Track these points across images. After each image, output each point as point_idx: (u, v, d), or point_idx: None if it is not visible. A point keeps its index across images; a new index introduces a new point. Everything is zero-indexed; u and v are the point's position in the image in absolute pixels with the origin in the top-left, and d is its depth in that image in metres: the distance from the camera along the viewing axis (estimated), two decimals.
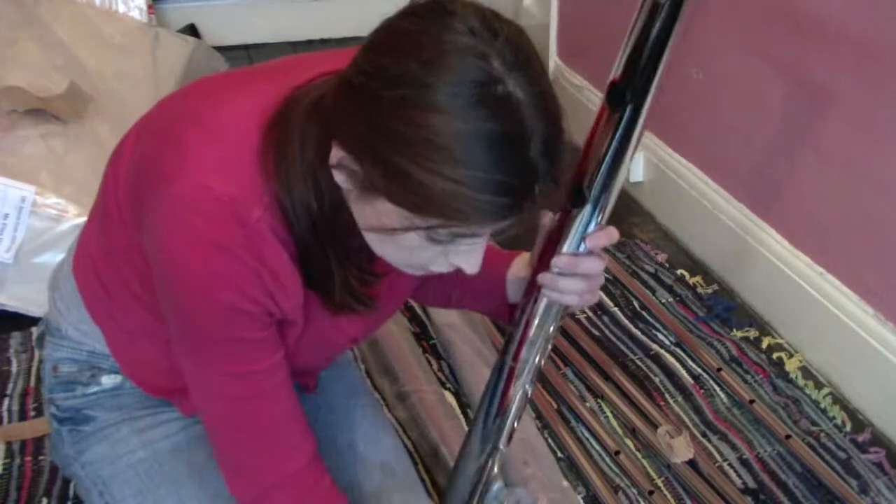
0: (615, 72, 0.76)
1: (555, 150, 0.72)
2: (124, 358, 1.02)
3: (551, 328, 0.95)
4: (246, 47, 3.14)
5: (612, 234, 0.86)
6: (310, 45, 3.22)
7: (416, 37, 0.70)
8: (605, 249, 0.88)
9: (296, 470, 0.93)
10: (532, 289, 0.92)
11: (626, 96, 0.76)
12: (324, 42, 3.24)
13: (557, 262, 0.86)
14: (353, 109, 0.72)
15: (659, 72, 0.75)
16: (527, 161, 0.70)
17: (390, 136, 0.69)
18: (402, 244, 0.77)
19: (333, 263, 0.84)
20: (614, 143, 0.78)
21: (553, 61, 2.64)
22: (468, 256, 0.80)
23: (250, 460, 0.92)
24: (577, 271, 0.86)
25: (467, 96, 0.67)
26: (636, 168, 2.17)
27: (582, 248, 0.85)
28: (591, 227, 0.84)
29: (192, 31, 2.93)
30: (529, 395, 1.02)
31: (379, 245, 0.80)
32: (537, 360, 0.98)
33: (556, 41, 2.62)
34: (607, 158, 0.80)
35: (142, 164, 0.86)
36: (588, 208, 0.83)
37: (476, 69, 0.68)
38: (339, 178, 0.76)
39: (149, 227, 0.82)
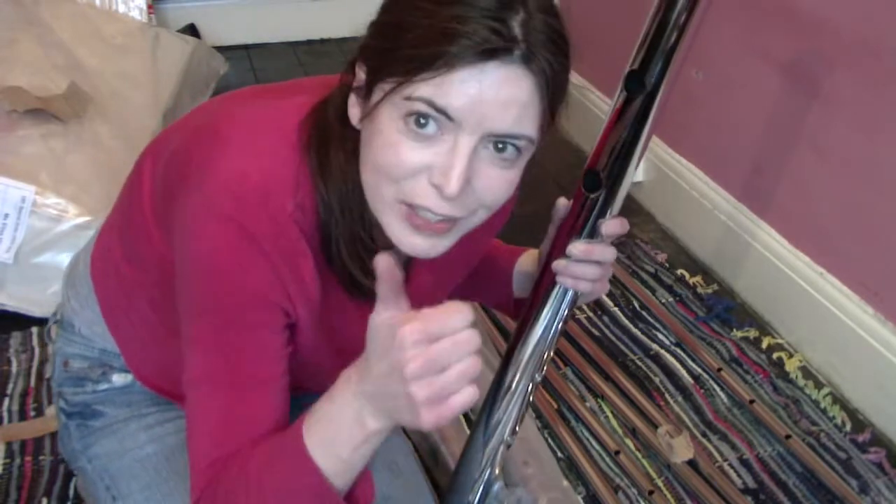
0: (633, 60, 0.81)
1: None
2: (134, 362, 1.03)
3: (562, 317, 0.96)
4: (246, 47, 3.14)
5: (624, 224, 0.87)
6: (310, 44, 3.22)
7: None
8: None
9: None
10: (543, 280, 0.94)
11: (644, 83, 0.80)
12: (324, 42, 3.25)
13: (573, 248, 0.88)
14: (370, 33, 0.77)
15: (675, 59, 0.79)
16: None
17: (392, 14, 0.75)
18: (387, 139, 0.75)
19: (348, 244, 0.84)
20: (629, 129, 0.82)
21: None
22: (449, 168, 0.74)
23: (223, 430, 0.84)
24: (592, 258, 0.88)
25: None
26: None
27: (595, 237, 0.87)
28: (605, 215, 0.87)
29: (192, 31, 2.93)
30: (538, 383, 1.03)
31: (371, 159, 0.78)
32: (547, 350, 0.99)
33: None
34: (623, 143, 0.83)
35: (174, 162, 0.86)
36: (603, 194, 0.85)
37: None
38: (352, 112, 0.79)
39: (180, 209, 0.80)
